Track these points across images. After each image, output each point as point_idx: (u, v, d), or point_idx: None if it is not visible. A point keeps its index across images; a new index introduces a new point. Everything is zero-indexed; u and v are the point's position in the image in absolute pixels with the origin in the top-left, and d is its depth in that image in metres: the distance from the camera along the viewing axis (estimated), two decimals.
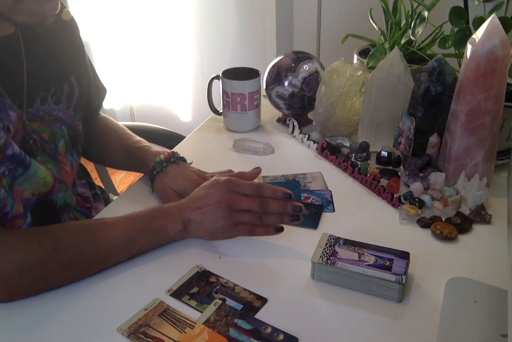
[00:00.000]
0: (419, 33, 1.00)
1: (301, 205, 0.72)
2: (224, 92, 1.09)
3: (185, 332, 0.61)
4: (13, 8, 0.63)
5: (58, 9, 0.67)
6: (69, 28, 0.85)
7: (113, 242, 0.70)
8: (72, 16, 0.84)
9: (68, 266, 0.67)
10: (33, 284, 0.65)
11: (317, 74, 1.06)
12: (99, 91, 0.98)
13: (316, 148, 1.02)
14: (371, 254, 0.69)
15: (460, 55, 0.94)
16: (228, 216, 0.71)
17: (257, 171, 0.81)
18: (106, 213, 0.85)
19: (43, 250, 0.65)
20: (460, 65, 0.88)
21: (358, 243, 0.71)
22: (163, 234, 0.73)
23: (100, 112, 1.01)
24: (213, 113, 1.17)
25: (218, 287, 0.68)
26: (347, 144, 1.00)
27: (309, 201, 0.86)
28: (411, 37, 1.00)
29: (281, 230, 0.74)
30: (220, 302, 0.65)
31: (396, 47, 0.97)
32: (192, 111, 2.35)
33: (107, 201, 1.06)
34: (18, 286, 0.65)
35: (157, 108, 2.39)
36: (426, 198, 0.83)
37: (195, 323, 0.62)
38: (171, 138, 1.19)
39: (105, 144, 0.98)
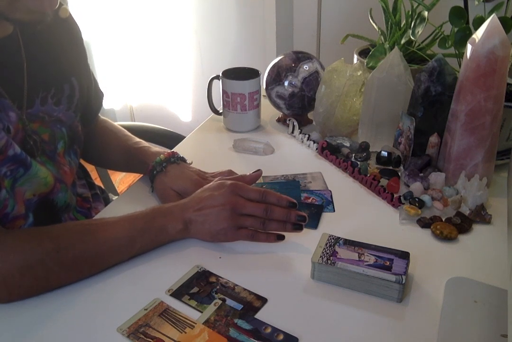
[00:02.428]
0: (419, 33, 1.00)
1: (305, 215, 0.73)
2: (224, 92, 1.09)
3: (185, 332, 0.61)
4: (11, 6, 0.62)
5: (57, 5, 0.66)
6: (67, 26, 0.84)
7: (114, 242, 0.70)
8: (70, 14, 0.83)
9: (69, 266, 0.67)
10: (34, 284, 0.65)
11: (317, 74, 1.06)
12: (99, 94, 0.98)
13: (316, 148, 1.02)
14: (371, 254, 0.69)
15: (460, 55, 0.94)
16: (231, 219, 0.72)
17: (258, 173, 0.82)
18: (106, 213, 0.85)
19: (44, 250, 0.65)
20: (460, 65, 0.88)
21: (358, 243, 0.71)
22: (164, 234, 0.73)
23: (99, 114, 1.01)
24: (213, 113, 1.17)
25: (218, 287, 0.68)
26: (347, 144, 1.00)
27: (309, 201, 0.86)
28: (411, 37, 1.00)
29: (282, 238, 0.74)
30: (220, 302, 0.65)
31: (396, 47, 0.97)
32: (192, 111, 2.35)
33: (107, 201, 1.06)
34: (18, 286, 0.64)
35: (157, 108, 2.39)
36: (426, 198, 0.83)
37: (195, 323, 0.62)
38: (171, 138, 1.19)
39: (104, 146, 0.98)
